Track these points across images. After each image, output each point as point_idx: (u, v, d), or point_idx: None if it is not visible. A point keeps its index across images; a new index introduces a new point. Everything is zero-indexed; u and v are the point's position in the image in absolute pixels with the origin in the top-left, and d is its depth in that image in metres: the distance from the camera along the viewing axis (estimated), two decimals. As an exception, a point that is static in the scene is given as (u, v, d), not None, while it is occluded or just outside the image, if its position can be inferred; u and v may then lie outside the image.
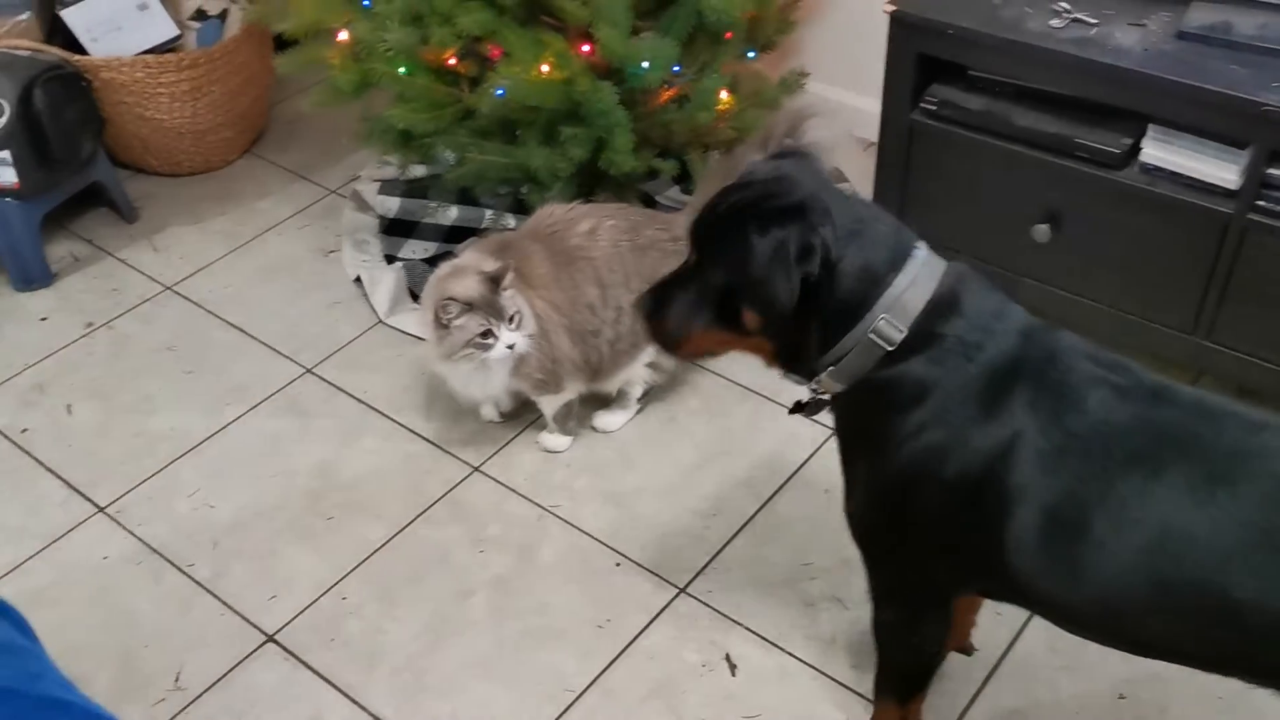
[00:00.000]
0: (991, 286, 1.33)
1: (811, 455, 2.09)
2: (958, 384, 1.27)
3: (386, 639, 1.83)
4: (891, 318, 1.27)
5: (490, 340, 1.88)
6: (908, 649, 1.52)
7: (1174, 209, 1.91)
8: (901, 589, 1.46)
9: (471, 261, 1.95)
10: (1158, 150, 1.91)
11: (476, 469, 2.11)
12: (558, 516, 2.02)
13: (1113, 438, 1.24)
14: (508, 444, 2.15)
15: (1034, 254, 2.10)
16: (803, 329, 1.31)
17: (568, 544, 1.97)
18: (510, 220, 2.52)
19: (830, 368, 1.32)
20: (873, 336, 1.28)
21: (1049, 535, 1.25)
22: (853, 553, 1.91)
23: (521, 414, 2.18)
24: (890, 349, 1.28)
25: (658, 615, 1.85)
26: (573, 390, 2.05)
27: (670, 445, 2.14)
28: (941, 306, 1.28)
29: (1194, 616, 1.21)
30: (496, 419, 2.19)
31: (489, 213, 2.52)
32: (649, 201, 2.52)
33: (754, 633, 1.82)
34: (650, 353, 2.07)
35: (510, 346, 1.89)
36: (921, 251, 1.31)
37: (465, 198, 2.57)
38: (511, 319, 1.89)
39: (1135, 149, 1.94)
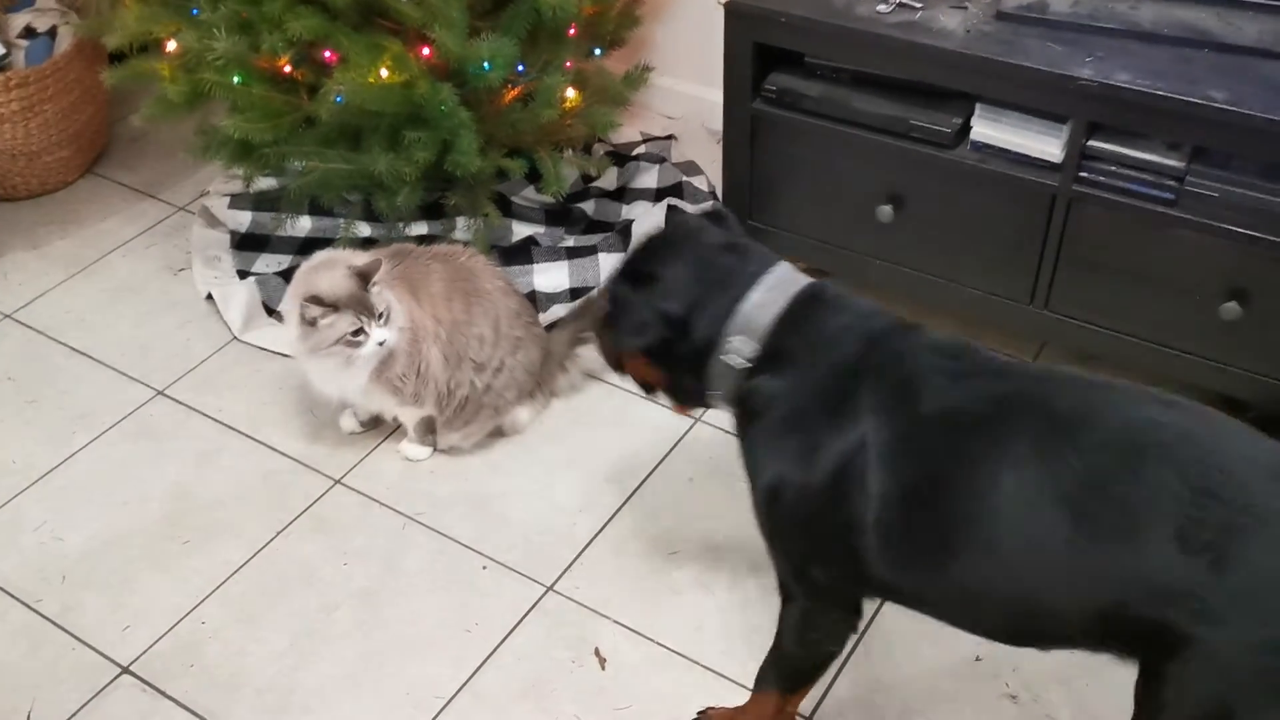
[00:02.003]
0: (847, 299, 1.43)
1: (674, 447, 2.11)
2: (803, 394, 1.37)
3: (249, 661, 1.79)
4: (744, 338, 1.39)
5: (360, 338, 1.85)
6: (805, 644, 1.54)
7: (1005, 184, 1.98)
8: (799, 588, 1.48)
9: (342, 256, 1.93)
10: (986, 128, 1.97)
11: (338, 481, 2.08)
12: (422, 524, 1.99)
13: (952, 417, 1.29)
14: (369, 454, 2.12)
15: (880, 234, 2.15)
16: (676, 367, 1.47)
17: (433, 551, 1.95)
18: (364, 228, 2.48)
19: (712, 393, 1.46)
20: (725, 359, 1.41)
21: (906, 524, 1.31)
22: (719, 539, 1.95)
23: (382, 424, 2.15)
24: (746, 366, 1.40)
25: (526, 615, 1.84)
26: (428, 409, 2.03)
27: (534, 445, 2.13)
28: (790, 323, 1.39)
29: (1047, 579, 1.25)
30: (358, 429, 2.16)
31: (341, 221, 2.48)
32: (504, 203, 2.51)
33: (622, 625, 1.82)
34: (496, 425, 2.10)
35: (381, 343, 1.86)
36: (775, 273, 1.43)
37: (316, 208, 2.52)
38: (381, 315, 1.86)
39: (966, 128, 2.00)
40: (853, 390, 1.34)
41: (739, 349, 1.40)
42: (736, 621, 1.82)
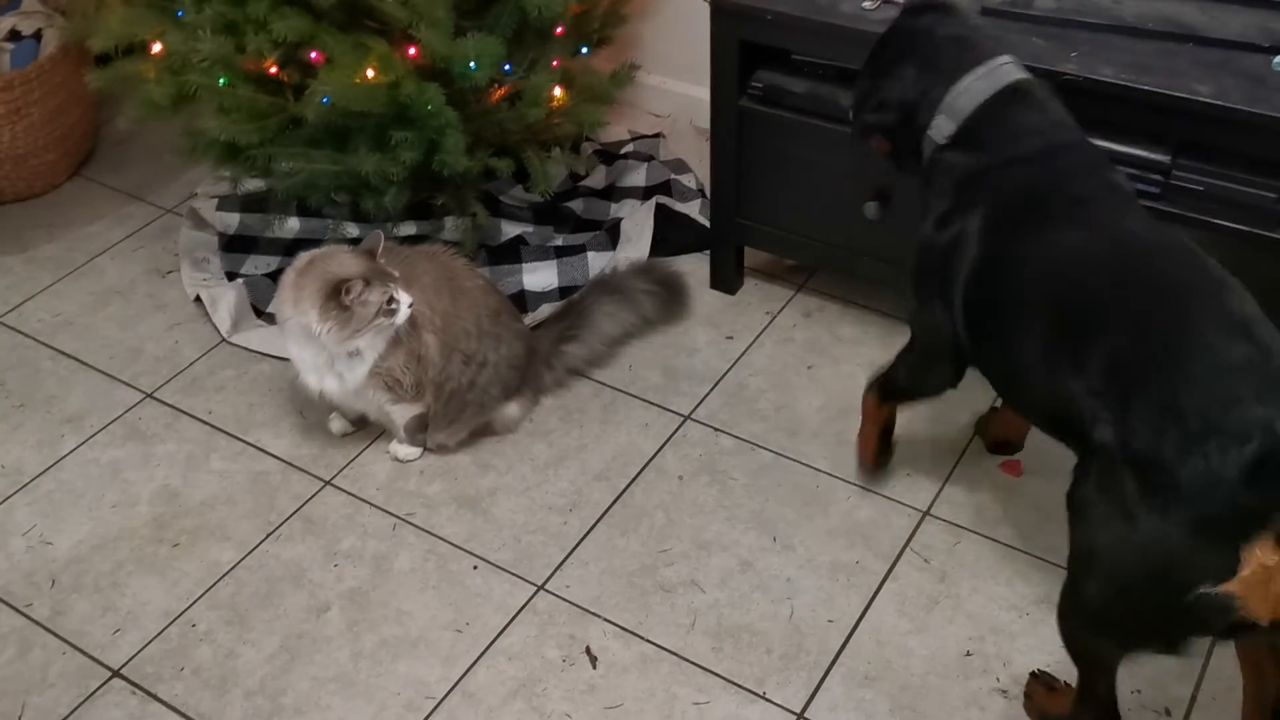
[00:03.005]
0: (1047, 101, 1.65)
1: (664, 445, 2.11)
2: (969, 173, 1.63)
3: (239, 663, 1.79)
4: (945, 118, 1.65)
5: (395, 306, 1.86)
6: (912, 377, 1.86)
7: (992, 179, 1.98)
8: (917, 325, 1.80)
9: (326, 251, 1.94)
10: (972, 123, 1.97)
11: (328, 483, 2.07)
12: (412, 524, 1.99)
13: (1035, 214, 1.56)
14: (359, 456, 2.12)
15: (867, 230, 2.15)
16: (902, 143, 1.75)
17: (423, 551, 1.95)
18: (352, 229, 2.48)
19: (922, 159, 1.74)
20: (930, 134, 1.68)
21: (975, 290, 1.61)
22: (709, 536, 1.95)
23: (372, 426, 2.15)
24: (941, 142, 1.67)
25: (516, 615, 1.84)
26: (425, 404, 2.03)
27: (524, 444, 2.13)
28: (987, 112, 1.63)
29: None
30: (348, 430, 2.15)
31: (329, 222, 2.48)
32: (492, 203, 2.51)
33: (613, 623, 1.83)
34: (482, 422, 2.10)
35: (410, 305, 1.88)
36: (989, 64, 1.65)
37: (304, 209, 2.52)
38: (397, 280, 1.87)
39: (952, 123, 2.01)
40: (1002, 181, 1.60)
41: (940, 127, 1.66)
42: (728, 619, 1.82)
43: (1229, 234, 1.83)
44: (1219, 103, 1.73)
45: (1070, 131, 1.63)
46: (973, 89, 1.64)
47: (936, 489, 2.00)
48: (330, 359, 1.92)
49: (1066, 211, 1.55)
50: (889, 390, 1.92)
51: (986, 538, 1.92)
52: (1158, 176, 1.86)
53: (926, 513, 1.97)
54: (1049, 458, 2.05)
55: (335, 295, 1.82)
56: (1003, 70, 1.64)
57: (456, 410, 2.05)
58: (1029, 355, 1.53)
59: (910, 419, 2.11)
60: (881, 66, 1.73)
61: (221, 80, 2.08)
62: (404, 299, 1.87)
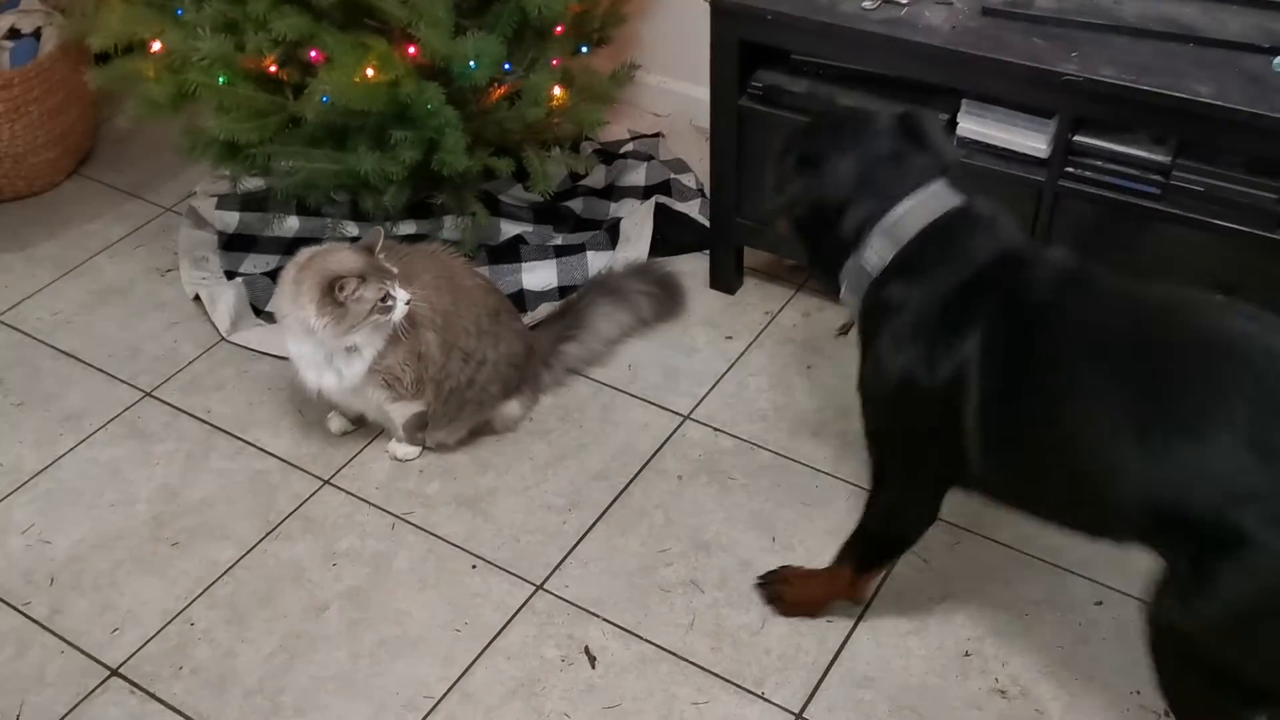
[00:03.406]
0: (993, 219, 1.51)
1: (663, 444, 2.11)
2: (932, 303, 1.46)
3: (238, 662, 1.79)
4: (881, 246, 1.49)
5: (390, 303, 1.85)
6: (889, 528, 1.68)
7: (992, 179, 1.97)
8: (895, 477, 1.62)
9: (327, 248, 1.94)
10: (972, 124, 1.97)
11: (327, 482, 2.07)
12: (411, 523, 1.99)
13: (1047, 320, 1.40)
14: (358, 455, 2.12)
15: (867, 231, 2.15)
16: (815, 247, 1.61)
17: (422, 550, 1.95)
18: (352, 228, 2.48)
19: (843, 287, 1.57)
20: (861, 262, 1.52)
21: (1000, 418, 1.42)
22: (708, 536, 1.95)
23: (370, 425, 2.14)
24: (879, 273, 1.50)
25: (515, 614, 1.84)
26: (425, 402, 2.03)
27: (523, 443, 2.13)
28: (932, 237, 1.48)
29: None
30: (347, 429, 2.15)
31: (329, 221, 2.48)
32: (492, 202, 2.51)
33: (612, 623, 1.82)
34: (481, 420, 2.10)
35: (407, 302, 1.88)
36: (930, 188, 1.50)
37: (304, 208, 2.52)
38: (395, 277, 1.87)
39: (952, 123, 2.00)
40: (973, 302, 1.43)
41: (871, 259, 1.50)
42: (727, 619, 1.82)
43: (1229, 235, 1.83)
44: (1219, 103, 1.72)
45: (1029, 242, 1.53)
46: (915, 212, 1.49)
47: (936, 489, 2.00)
48: (328, 355, 1.92)
49: (1082, 301, 1.41)
50: (872, 555, 1.73)
51: (986, 538, 1.92)
52: (1158, 177, 1.86)
53: (926, 513, 1.97)
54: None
55: (331, 291, 1.82)
56: (943, 193, 1.52)
57: (456, 408, 2.05)
58: (1111, 456, 1.31)
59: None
60: (813, 155, 1.56)
61: (221, 79, 2.08)
62: (400, 296, 1.87)
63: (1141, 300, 1.40)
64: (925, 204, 1.49)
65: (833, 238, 1.54)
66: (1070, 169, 1.91)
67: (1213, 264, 1.87)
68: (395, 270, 1.87)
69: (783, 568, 1.85)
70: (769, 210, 1.65)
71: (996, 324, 1.41)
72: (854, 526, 1.71)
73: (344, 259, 1.86)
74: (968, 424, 1.43)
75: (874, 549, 1.72)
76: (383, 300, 1.84)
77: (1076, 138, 1.89)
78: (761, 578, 1.85)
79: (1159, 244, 1.90)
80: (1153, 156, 1.85)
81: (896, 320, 1.48)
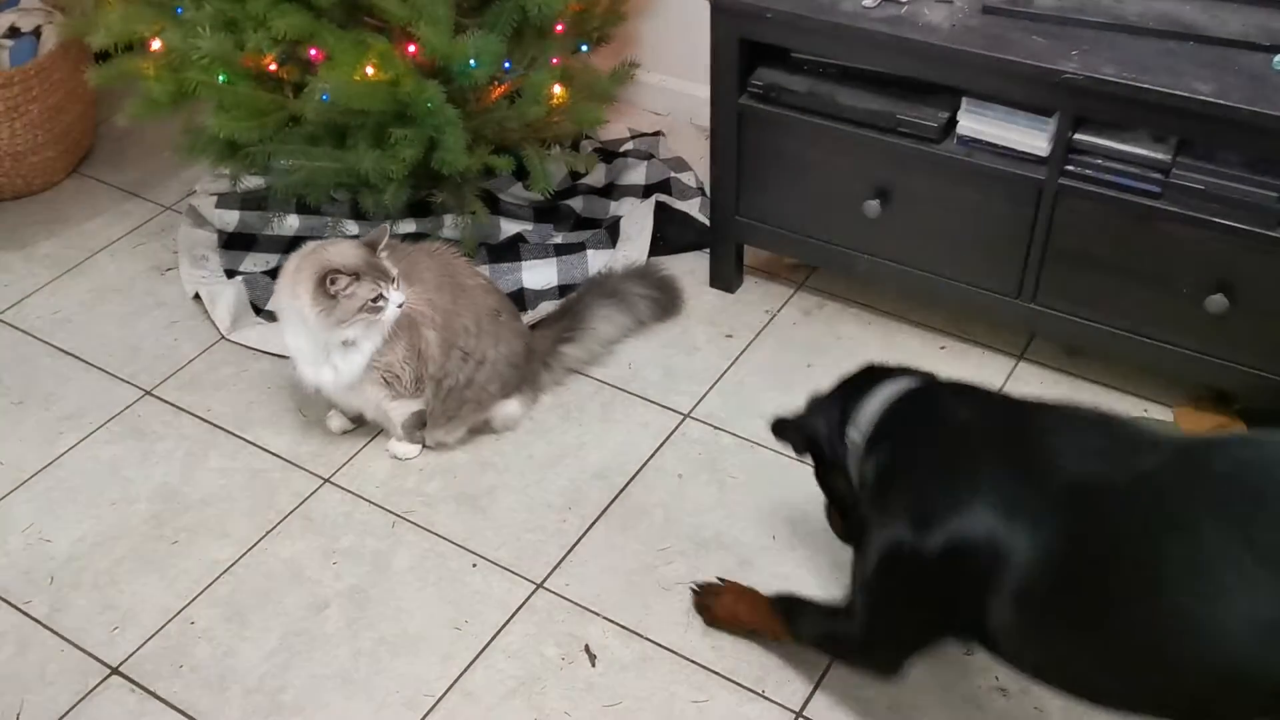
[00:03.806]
0: (947, 385, 1.58)
1: (663, 443, 2.11)
2: (914, 467, 1.49)
3: (238, 661, 1.79)
4: (856, 431, 1.57)
5: (381, 303, 1.85)
6: (840, 657, 1.70)
7: (992, 178, 1.98)
8: (873, 634, 1.55)
9: (331, 241, 1.94)
10: (972, 122, 1.97)
11: (327, 480, 2.07)
12: (411, 522, 1.99)
13: (1097, 489, 1.30)
14: (358, 453, 2.12)
15: (867, 229, 2.15)
16: (828, 474, 1.70)
17: (423, 549, 1.95)
18: (352, 226, 2.48)
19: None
20: (850, 446, 1.59)
21: (1054, 595, 1.30)
22: (708, 535, 1.95)
23: (370, 424, 2.14)
24: (860, 453, 1.56)
25: (515, 613, 1.84)
26: (424, 400, 2.03)
27: (523, 442, 2.13)
28: (891, 411, 1.55)
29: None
30: (347, 428, 2.15)
31: (329, 220, 2.48)
32: (492, 201, 2.51)
33: (613, 621, 1.82)
34: (480, 420, 2.10)
35: (400, 305, 1.87)
36: (889, 382, 1.59)
37: (304, 207, 2.52)
38: (394, 280, 1.87)
39: (952, 122, 2.00)
40: (970, 463, 1.40)
41: (851, 440, 1.58)
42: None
43: (1230, 233, 1.83)
44: (1219, 101, 1.72)
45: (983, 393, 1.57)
46: (874, 400, 1.57)
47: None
48: (326, 350, 1.91)
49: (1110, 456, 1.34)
50: (813, 643, 1.70)
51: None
52: (1158, 175, 1.86)
53: (926, 511, 1.96)
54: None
55: (324, 283, 1.82)
56: (902, 380, 1.59)
57: (455, 407, 2.05)
58: (1225, 624, 1.19)
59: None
60: (807, 407, 1.69)
61: (221, 77, 2.08)
62: (394, 298, 1.86)
63: (1194, 454, 1.31)
64: (882, 391, 1.58)
65: (831, 456, 1.63)
66: (1071, 167, 1.91)
67: (1213, 263, 1.87)
68: (394, 271, 1.87)
69: (724, 581, 1.83)
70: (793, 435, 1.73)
71: (1019, 489, 1.34)
72: (822, 604, 1.66)
73: (344, 253, 1.86)
74: (994, 597, 1.34)
75: (820, 645, 1.69)
76: (375, 300, 1.84)
77: (1077, 136, 1.89)
78: (698, 585, 1.83)
79: (1159, 242, 1.90)
80: (1153, 155, 1.85)
81: (879, 488, 1.52)
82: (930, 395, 1.57)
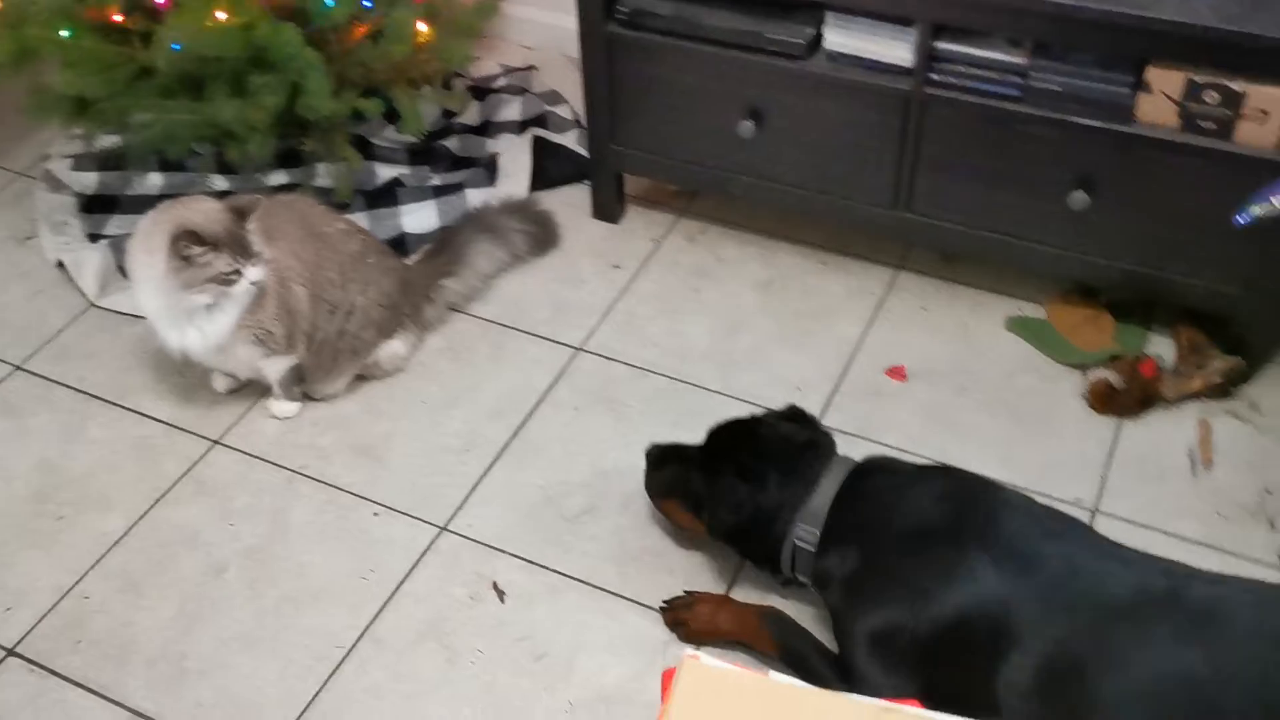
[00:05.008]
0: (895, 463, 1.67)
1: (557, 378, 2.11)
2: (888, 553, 1.55)
3: (138, 631, 1.75)
4: (807, 527, 1.61)
5: (234, 278, 1.80)
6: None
7: (860, 91, 2.00)
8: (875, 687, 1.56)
9: (194, 198, 1.88)
10: (838, 36, 1.99)
11: (216, 442, 2.03)
12: (308, 476, 1.96)
13: (1093, 598, 1.42)
14: (247, 412, 2.08)
15: (743, 150, 2.16)
16: (751, 545, 1.69)
17: (321, 502, 1.92)
18: (219, 181, 2.40)
19: (793, 571, 1.65)
20: (797, 543, 1.62)
21: (1044, 692, 1.40)
22: (607, 464, 1.96)
23: (258, 381, 2.10)
24: (813, 549, 1.61)
25: (421, 557, 1.84)
26: (298, 355, 1.99)
27: (415, 387, 2.11)
28: (845, 500, 1.61)
29: None
30: (233, 387, 2.10)
31: (194, 176, 2.40)
32: (364, 146, 2.45)
33: (519, 557, 1.83)
34: (362, 365, 2.07)
35: (253, 283, 1.82)
36: (835, 462, 1.65)
37: (167, 163, 2.43)
38: (256, 256, 1.81)
39: (818, 38, 2.02)
40: (952, 551, 1.49)
41: (803, 538, 1.61)
42: (630, 543, 1.84)
43: (1087, 131, 1.88)
44: (1070, 2, 1.77)
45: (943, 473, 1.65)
46: (825, 490, 1.62)
47: (825, 400, 2.05)
48: (188, 312, 1.86)
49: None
50: (796, 662, 1.65)
51: (879, 443, 1.97)
52: (1017, 79, 1.90)
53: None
54: (931, 362, 2.11)
55: (178, 243, 1.76)
56: (843, 461, 1.66)
57: (331, 360, 2.02)
58: None
59: (799, 327, 2.15)
60: (741, 465, 1.67)
61: (64, 32, 1.98)
62: (250, 274, 1.81)
63: (1166, 576, 1.45)
64: (830, 477, 1.63)
65: (768, 535, 1.65)
66: (934, 75, 1.94)
67: (1073, 161, 1.93)
68: (257, 248, 1.81)
69: (690, 593, 1.75)
70: (717, 525, 1.70)
71: (1015, 584, 1.44)
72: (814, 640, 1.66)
73: (208, 216, 1.80)
74: (989, 677, 1.43)
75: (805, 673, 1.62)
76: (229, 274, 1.79)
77: (938, 44, 1.92)
78: (665, 602, 1.75)
79: (1022, 145, 1.95)
80: (1011, 59, 1.89)
81: (854, 579, 1.56)
82: (869, 478, 1.63)
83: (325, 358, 2.00)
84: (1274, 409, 1.99)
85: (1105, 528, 1.80)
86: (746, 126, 2.11)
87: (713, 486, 1.68)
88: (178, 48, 1.95)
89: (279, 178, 2.40)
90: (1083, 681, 1.37)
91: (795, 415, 1.77)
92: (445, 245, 2.20)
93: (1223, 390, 1.99)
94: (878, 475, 1.64)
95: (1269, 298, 1.93)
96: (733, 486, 1.65)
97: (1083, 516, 1.83)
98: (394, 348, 2.09)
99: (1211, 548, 1.79)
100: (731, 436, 1.73)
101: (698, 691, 0.78)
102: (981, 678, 1.43)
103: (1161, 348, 2.08)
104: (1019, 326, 2.15)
